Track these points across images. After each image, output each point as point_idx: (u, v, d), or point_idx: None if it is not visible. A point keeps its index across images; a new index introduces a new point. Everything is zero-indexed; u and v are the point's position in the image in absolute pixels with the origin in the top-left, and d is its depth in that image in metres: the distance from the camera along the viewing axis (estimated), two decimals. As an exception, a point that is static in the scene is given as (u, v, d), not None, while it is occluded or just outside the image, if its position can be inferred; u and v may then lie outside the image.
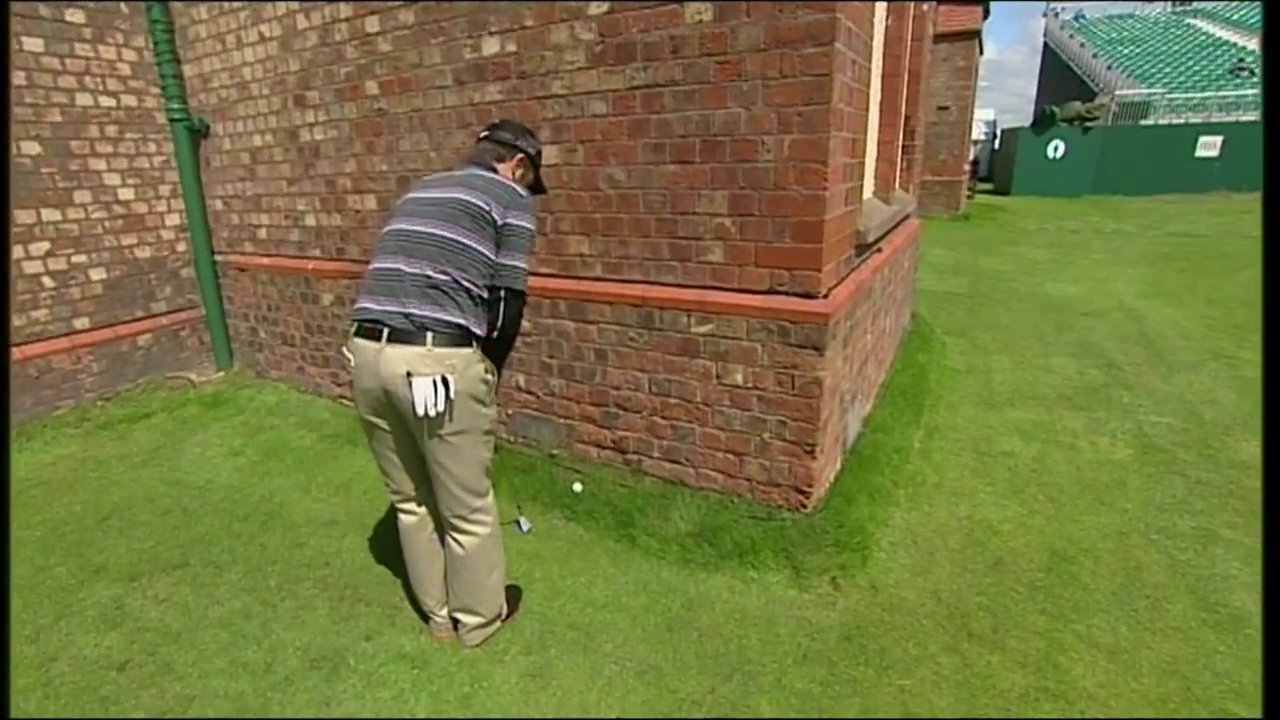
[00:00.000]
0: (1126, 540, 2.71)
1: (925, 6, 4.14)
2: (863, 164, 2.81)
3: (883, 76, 3.54)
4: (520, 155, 2.08)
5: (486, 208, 1.84)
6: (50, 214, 3.94)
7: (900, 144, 4.46)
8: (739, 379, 2.63)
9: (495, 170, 2.02)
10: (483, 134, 2.10)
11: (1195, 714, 1.89)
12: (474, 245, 1.83)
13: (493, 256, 1.86)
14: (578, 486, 2.95)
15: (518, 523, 2.77)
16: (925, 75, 4.56)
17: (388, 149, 3.43)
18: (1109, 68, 22.97)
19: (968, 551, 2.64)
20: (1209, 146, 18.23)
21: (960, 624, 2.24)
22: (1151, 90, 20.96)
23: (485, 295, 1.87)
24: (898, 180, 4.37)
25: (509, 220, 1.87)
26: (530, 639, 2.17)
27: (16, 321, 3.86)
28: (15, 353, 3.82)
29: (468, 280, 1.82)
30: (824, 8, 2.14)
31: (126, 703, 1.94)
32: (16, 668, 2.08)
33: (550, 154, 2.84)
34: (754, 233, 2.47)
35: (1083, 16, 29.75)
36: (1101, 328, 5.81)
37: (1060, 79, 25.35)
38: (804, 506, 2.63)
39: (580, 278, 2.94)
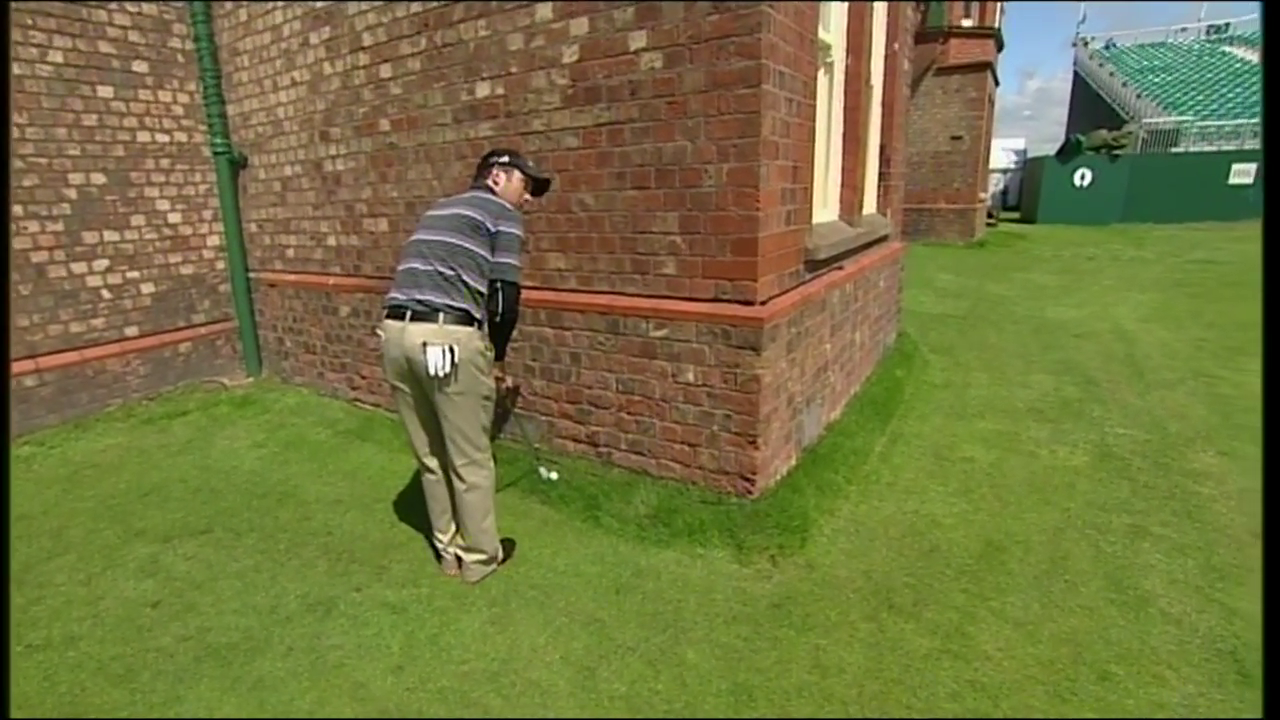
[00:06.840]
0: (1060, 534, 2.86)
1: (895, 45, 4.48)
2: (808, 189, 3.13)
3: (844, 110, 3.88)
4: (518, 171, 2.59)
5: (481, 219, 2.36)
6: (111, 235, 4.50)
7: (876, 171, 4.76)
8: (691, 377, 2.95)
9: (493, 190, 2.51)
10: (486, 158, 2.61)
11: (1080, 675, 2.07)
12: (472, 248, 2.34)
13: (489, 257, 2.37)
14: (554, 475, 3.25)
15: (538, 470, 3.26)
16: (901, 108, 4.88)
17: (398, 178, 3.89)
18: (1138, 96, 22.86)
19: (906, 540, 2.83)
20: (1243, 174, 17.97)
21: (884, 598, 2.45)
22: (1181, 118, 20.78)
23: (483, 289, 2.37)
24: (871, 205, 4.66)
25: (500, 228, 2.38)
26: (495, 595, 2.49)
27: (78, 328, 4.39)
28: (75, 355, 4.35)
29: (468, 275, 2.32)
30: (752, 55, 2.50)
31: (157, 631, 2.32)
32: (71, 604, 2.49)
33: (532, 183, 3.25)
34: (701, 248, 2.82)
35: (1113, 45, 29.60)
36: (1089, 348, 5.88)
37: (1091, 107, 25.24)
38: (749, 493, 2.91)
39: (557, 289, 3.31)
